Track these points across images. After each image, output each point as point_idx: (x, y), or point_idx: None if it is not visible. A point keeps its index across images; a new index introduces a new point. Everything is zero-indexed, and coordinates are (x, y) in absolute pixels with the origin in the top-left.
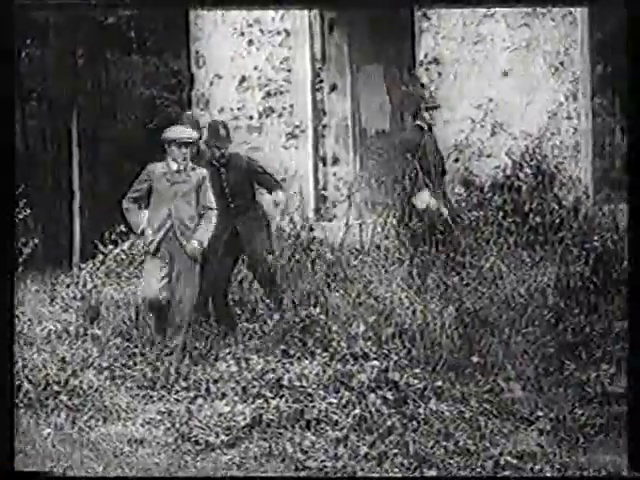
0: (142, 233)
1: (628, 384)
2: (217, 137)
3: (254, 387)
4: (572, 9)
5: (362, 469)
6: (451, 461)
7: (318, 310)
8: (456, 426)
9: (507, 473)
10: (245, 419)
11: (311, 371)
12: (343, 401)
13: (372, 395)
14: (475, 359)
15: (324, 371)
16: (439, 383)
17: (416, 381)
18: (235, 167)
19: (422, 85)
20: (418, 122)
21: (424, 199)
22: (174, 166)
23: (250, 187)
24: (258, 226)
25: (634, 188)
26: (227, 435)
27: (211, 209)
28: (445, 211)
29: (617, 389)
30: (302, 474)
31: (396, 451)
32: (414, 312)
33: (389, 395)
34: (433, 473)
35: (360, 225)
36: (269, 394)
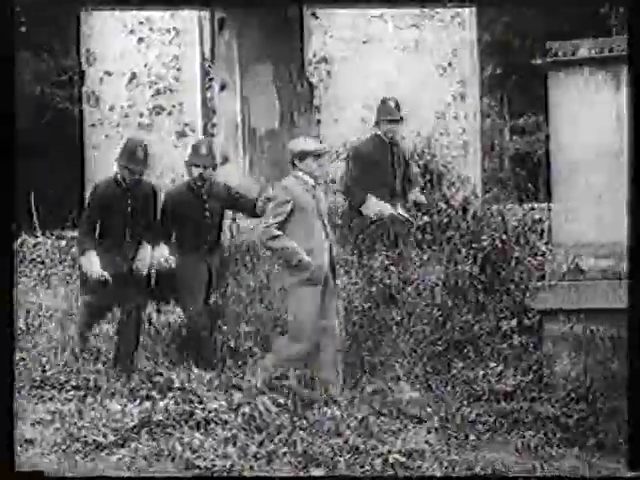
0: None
1: (628, 385)
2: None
3: (143, 388)
4: (460, 11)
5: (251, 467)
6: (339, 459)
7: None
8: (345, 424)
9: (395, 471)
10: (134, 419)
11: (201, 372)
12: (233, 401)
13: (261, 395)
14: (364, 358)
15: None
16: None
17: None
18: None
19: (310, 85)
20: (379, 132)
21: (372, 207)
22: (311, 181)
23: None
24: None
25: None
26: (116, 435)
27: None
28: (402, 213)
29: (505, 387)
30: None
31: (285, 450)
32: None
33: (278, 395)
34: (321, 472)
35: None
36: (158, 395)
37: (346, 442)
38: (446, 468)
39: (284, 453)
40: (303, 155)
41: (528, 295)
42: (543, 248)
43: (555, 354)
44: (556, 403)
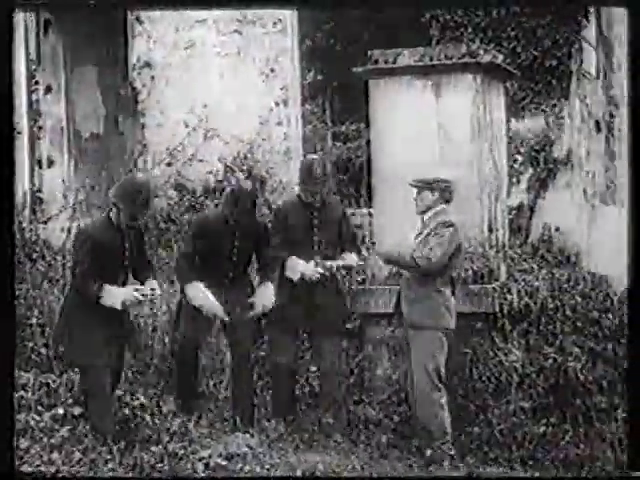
0: None
1: (628, 385)
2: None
3: None
4: (281, 17)
5: (77, 473)
6: (161, 465)
7: (36, 313)
8: (166, 432)
9: (217, 474)
10: None
11: (29, 378)
12: (60, 409)
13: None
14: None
15: (38, 378)
16: (151, 390)
17: (129, 385)
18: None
19: (134, 89)
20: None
21: (296, 268)
22: None
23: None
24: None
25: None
26: None
27: None
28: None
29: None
30: None
31: (109, 457)
32: (128, 316)
33: None
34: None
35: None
36: None
37: (165, 448)
38: (268, 470)
39: (106, 460)
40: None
41: (349, 299)
42: (364, 253)
43: (376, 357)
44: (377, 406)
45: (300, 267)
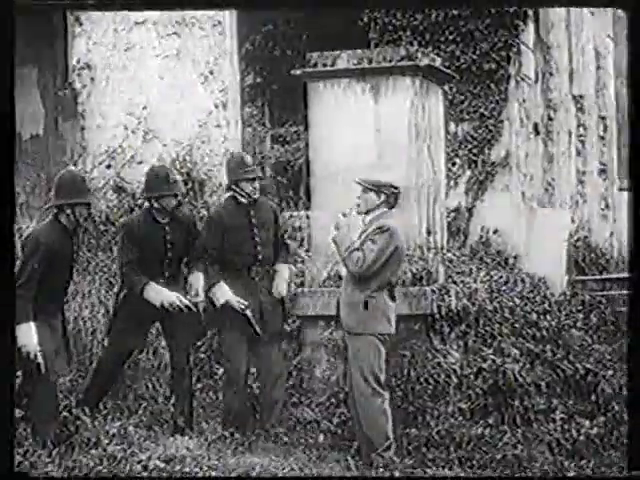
0: None
1: (628, 384)
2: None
3: None
4: (221, 20)
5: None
6: (100, 467)
7: None
8: (105, 434)
9: (155, 476)
10: None
11: None
12: None
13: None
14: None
15: None
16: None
17: (68, 385)
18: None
19: (74, 90)
20: (234, 194)
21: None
22: None
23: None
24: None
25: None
26: None
27: None
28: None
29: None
30: None
31: (48, 460)
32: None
33: None
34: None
35: (19, 229)
36: None
37: (105, 451)
38: (206, 472)
39: (46, 463)
40: None
41: (288, 301)
42: (303, 255)
43: (315, 359)
44: (316, 407)
45: (227, 295)
